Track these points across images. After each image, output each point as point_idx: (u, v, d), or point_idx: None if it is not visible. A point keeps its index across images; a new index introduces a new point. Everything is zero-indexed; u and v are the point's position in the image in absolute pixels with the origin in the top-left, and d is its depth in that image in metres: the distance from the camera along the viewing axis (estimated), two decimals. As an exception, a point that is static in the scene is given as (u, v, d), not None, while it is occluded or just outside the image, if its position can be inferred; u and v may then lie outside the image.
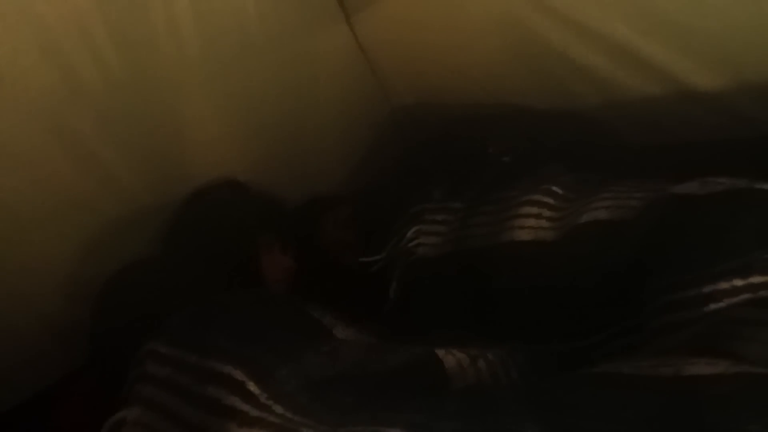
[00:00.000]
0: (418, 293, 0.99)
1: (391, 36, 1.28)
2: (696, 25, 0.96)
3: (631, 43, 1.02)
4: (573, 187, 0.97)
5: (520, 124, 1.20)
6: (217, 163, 1.17)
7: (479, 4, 1.13)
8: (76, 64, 0.96)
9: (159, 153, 1.10)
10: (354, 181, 1.37)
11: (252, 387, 0.68)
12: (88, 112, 1.00)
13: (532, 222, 0.93)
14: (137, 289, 0.99)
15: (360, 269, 1.07)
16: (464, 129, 1.24)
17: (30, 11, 0.89)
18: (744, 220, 0.72)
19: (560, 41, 1.08)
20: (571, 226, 0.89)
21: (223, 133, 1.17)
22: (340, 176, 1.37)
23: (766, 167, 0.79)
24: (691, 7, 0.94)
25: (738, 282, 0.66)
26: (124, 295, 0.99)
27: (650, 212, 0.82)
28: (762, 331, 0.62)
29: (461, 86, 1.27)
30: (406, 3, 1.21)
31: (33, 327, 1.01)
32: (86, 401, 0.97)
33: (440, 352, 0.74)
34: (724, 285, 0.67)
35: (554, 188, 0.96)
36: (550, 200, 0.95)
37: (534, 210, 0.94)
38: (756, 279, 0.66)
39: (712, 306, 0.67)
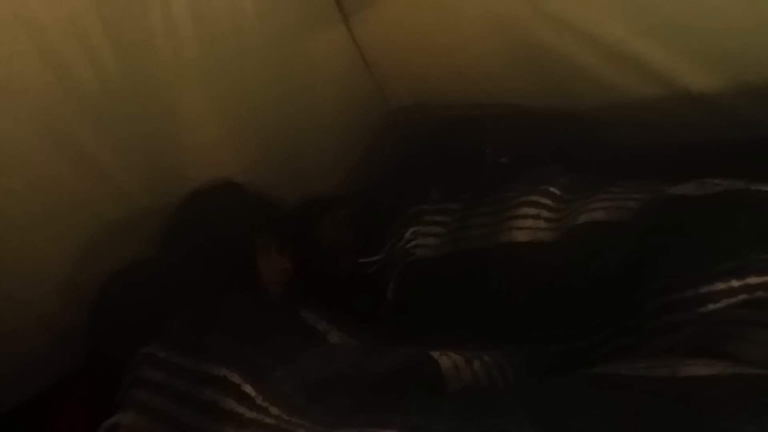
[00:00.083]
0: (416, 294, 0.99)
1: (388, 37, 1.28)
2: (694, 26, 0.96)
3: (629, 44, 1.02)
4: (570, 188, 0.97)
5: (518, 125, 1.20)
6: (215, 164, 1.17)
7: (477, 6, 1.13)
8: (73, 66, 0.96)
9: (156, 154, 1.10)
10: (352, 182, 1.37)
11: (248, 389, 0.68)
12: (86, 114, 1.00)
13: (530, 223, 0.93)
14: (135, 290, 0.99)
15: (358, 270, 1.07)
16: (462, 130, 1.24)
17: (26, 13, 0.89)
18: (741, 221, 0.72)
19: (558, 43, 1.08)
20: (569, 227, 0.89)
21: (221, 135, 1.17)
22: (338, 177, 1.37)
23: (762, 168, 0.79)
24: (688, 8, 0.94)
25: (735, 283, 0.67)
26: (122, 296, 0.99)
27: (647, 213, 0.82)
28: (758, 332, 0.62)
29: (459, 87, 1.27)
30: (404, 5, 1.21)
31: (30, 329, 1.01)
32: (84, 404, 0.97)
33: (435, 354, 0.74)
34: (720, 286, 0.67)
35: (552, 189, 0.96)
36: (548, 201, 0.95)
37: (532, 211, 0.94)
38: (753, 280, 0.66)
39: (710, 307, 0.67)
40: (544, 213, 0.93)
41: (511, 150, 1.11)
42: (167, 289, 0.96)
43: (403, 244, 1.03)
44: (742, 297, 0.66)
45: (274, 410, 0.66)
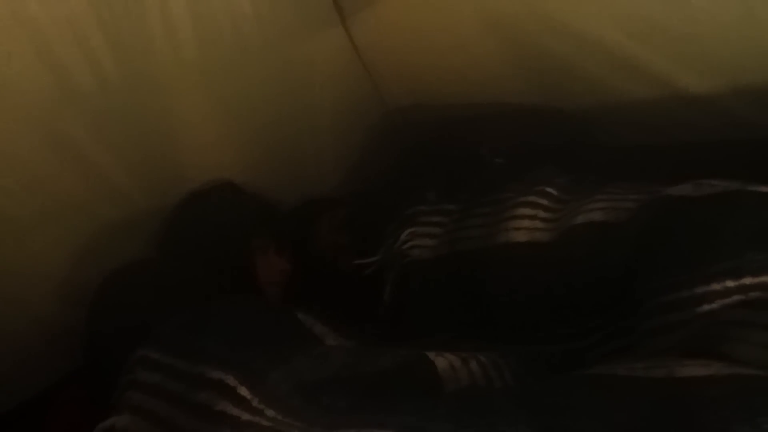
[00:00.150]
0: (413, 295, 0.99)
1: (386, 38, 1.28)
2: (688, 30, 0.96)
3: (625, 46, 1.02)
4: (568, 189, 0.97)
5: (516, 125, 1.20)
6: (213, 165, 1.17)
7: (474, 7, 1.13)
8: (71, 67, 0.96)
9: (154, 155, 1.10)
10: (350, 183, 1.37)
11: (243, 391, 0.68)
12: (84, 115, 1.00)
13: (527, 223, 0.93)
14: (133, 290, 0.98)
15: (355, 272, 1.07)
16: (459, 130, 1.24)
17: (24, 13, 0.89)
18: (737, 221, 0.72)
19: (555, 44, 1.09)
20: (567, 227, 0.89)
21: (219, 136, 1.18)
22: (336, 177, 1.37)
23: (758, 169, 0.79)
24: (682, 12, 0.95)
25: (730, 283, 0.67)
26: (120, 297, 0.99)
27: (644, 214, 0.82)
28: (753, 333, 0.62)
29: (456, 88, 1.27)
30: (402, 5, 1.21)
31: (28, 330, 1.01)
32: (80, 406, 0.96)
33: (431, 355, 0.74)
34: (716, 286, 0.67)
35: (549, 189, 0.96)
36: (545, 201, 0.95)
37: (529, 211, 0.94)
38: (748, 280, 0.66)
39: (705, 307, 0.67)
40: (541, 213, 0.93)
41: (508, 150, 1.11)
42: (165, 289, 0.96)
43: (400, 245, 1.03)
44: (737, 297, 0.66)
45: (270, 412, 0.66)
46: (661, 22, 0.98)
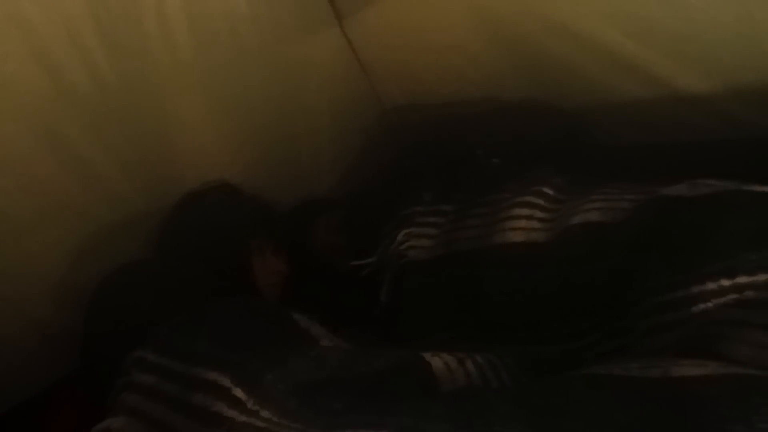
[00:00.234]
0: (410, 296, 0.99)
1: (382, 39, 1.28)
2: (685, 29, 0.96)
3: (621, 45, 1.02)
4: (564, 189, 0.97)
5: (512, 125, 1.20)
6: (209, 166, 1.17)
7: (470, 6, 1.14)
8: (67, 68, 0.96)
9: (151, 157, 1.10)
10: (347, 183, 1.37)
11: (238, 393, 0.68)
12: (80, 116, 1.00)
13: (524, 223, 0.93)
14: (130, 292, 0.98)
15: (352, 272, 1.06)
16: (456, 130, 1.24)
17: (18, 15, 0.90)
18: (732, 221, 0.72)
19: (551, 43, 1.09)
20: (563, 227, 0.89)
21: (216, 137, 1.18)
22: (333, 178, 1.37)
23: (754, 169, 0.79)
24: (680, 12, 0.95)
25: (725, 282, 0.67)
26: (117, 298, 0.99)
27: (640, 214, 0.82)
28: (749, 333, 0.62)
29: (453, 88, 1.27)
30: (398, 6, 1.21)
31: (24, 331, 1.01)
32: (78, 407, 0.96)
33: (427, 355, 0.74)
34: (711, 286, 0.68)
35: (545, 190, 0.96)
36: (542, 202, 0.95)
37: (525, 211, 0.94)
38: (742, 279, 0.66)
39: (701, 306, 0.67)
40: (538, 213, 0.93)
41: (504, 150, 1.11)
42: (163, 290, 0.96)
43: (396, 245, 1.03)
44: (732, 296, 0.66)
45: (265, 414, 0.66)
46: (658, 21, 0.98)
